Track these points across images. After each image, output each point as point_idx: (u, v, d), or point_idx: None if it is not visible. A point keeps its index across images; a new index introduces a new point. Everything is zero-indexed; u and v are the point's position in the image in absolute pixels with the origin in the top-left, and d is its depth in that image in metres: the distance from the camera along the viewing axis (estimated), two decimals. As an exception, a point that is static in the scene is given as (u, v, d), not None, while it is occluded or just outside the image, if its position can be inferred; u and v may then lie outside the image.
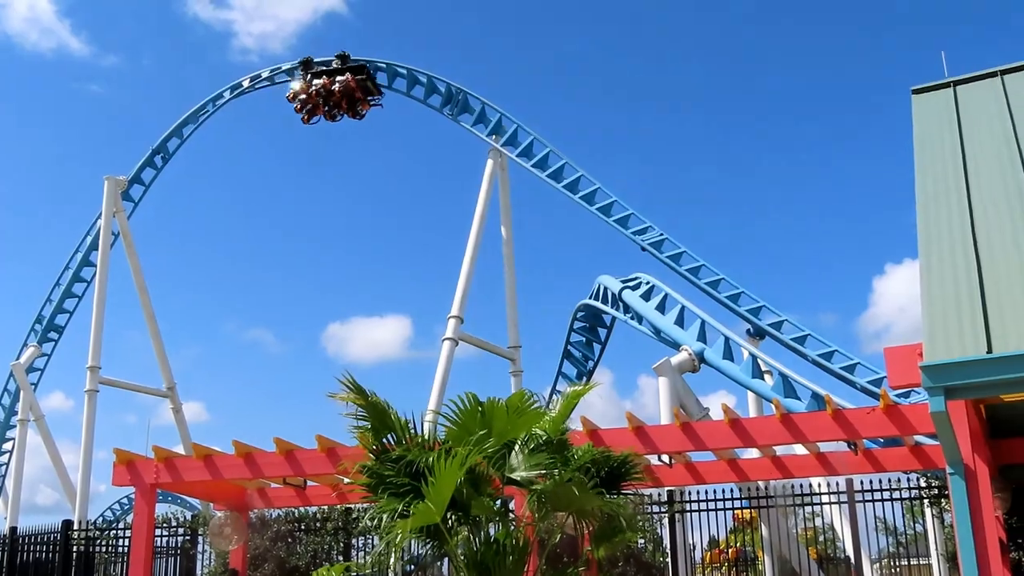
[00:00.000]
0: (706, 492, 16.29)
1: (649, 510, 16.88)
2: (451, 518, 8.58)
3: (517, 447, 9.04)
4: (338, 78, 36.11)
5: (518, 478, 8.86)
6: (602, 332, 36.30)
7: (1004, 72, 13.55)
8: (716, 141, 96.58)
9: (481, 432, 8.90)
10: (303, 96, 36.39)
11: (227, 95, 40.40)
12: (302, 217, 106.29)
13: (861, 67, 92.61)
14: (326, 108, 36.27)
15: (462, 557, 8.76)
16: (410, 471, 8.58)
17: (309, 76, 36.76)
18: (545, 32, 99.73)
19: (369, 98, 36.39)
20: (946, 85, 13.77)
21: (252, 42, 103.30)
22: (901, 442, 14.46)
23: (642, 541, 17.28)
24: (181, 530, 19.18)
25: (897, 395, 18.64)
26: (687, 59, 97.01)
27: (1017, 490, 13.73)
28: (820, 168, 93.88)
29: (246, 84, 40.11)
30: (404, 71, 36.92)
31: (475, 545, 8.75)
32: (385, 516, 8.42)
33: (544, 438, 9.18)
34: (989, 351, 8.03)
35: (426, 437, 9.19)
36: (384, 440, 9.18)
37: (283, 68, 39.44)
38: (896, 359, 9.27)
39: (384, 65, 37.26)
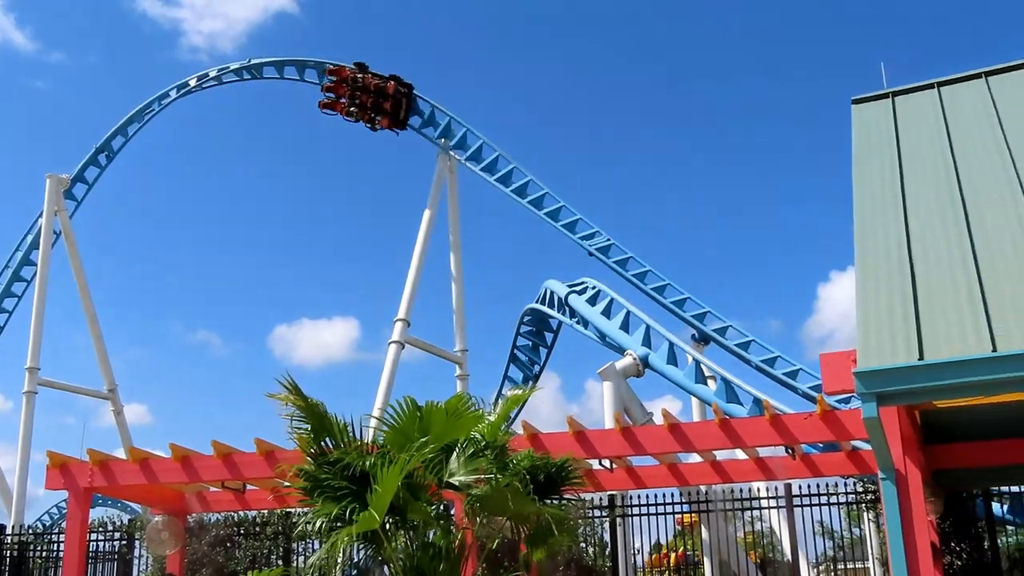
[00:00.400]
0: (648, 496, 16.37)
1: (591, 514, 16.91)
2: (389, 523, 8.52)
3: (456, 451, 8.99)
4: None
5: (456, 483, 8.81)
6: (548, 336, 36.41)
7: (941, 84, 13.82)
8: (663, 149, 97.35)
9: (420, 438, 8.84)
10: (335, 79, 35.76)
11: (173, 94, 39.92)
12: (249, 218, 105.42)
13: (807, 76, 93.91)
14: (347, 98, 35.62)
15: (400, 561, 8.70)
16: (348, 475, 8.50)
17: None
18: (496, 36, 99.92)
19: (393, 128, 35.83)
20: (885, 96, 14.00)
21: (201, 40, 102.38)
22: (839, 447, 14.65)
23: (583, 544, 17.29)
24: (117, 534, 18.87)
25: (837, 401, 18.90)
26: (634, 67, 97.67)
27: (950, 495, 13.97)
28: (766, 175, 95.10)
29: (193, 83, 39.62)
30: (354, 73, 36.61)
31: (412, 550, 8.70)
32: (321, 520, 8.33)
33: (483, 443, 9.14)
34: (921, 358, 8.08)
35: (365, 441, 9.11)
36: (322, 443, 9.09)
37: (231, 68, 39.08)
38: (831, 365, 9.35)
39: (334, 67, 37.00)
